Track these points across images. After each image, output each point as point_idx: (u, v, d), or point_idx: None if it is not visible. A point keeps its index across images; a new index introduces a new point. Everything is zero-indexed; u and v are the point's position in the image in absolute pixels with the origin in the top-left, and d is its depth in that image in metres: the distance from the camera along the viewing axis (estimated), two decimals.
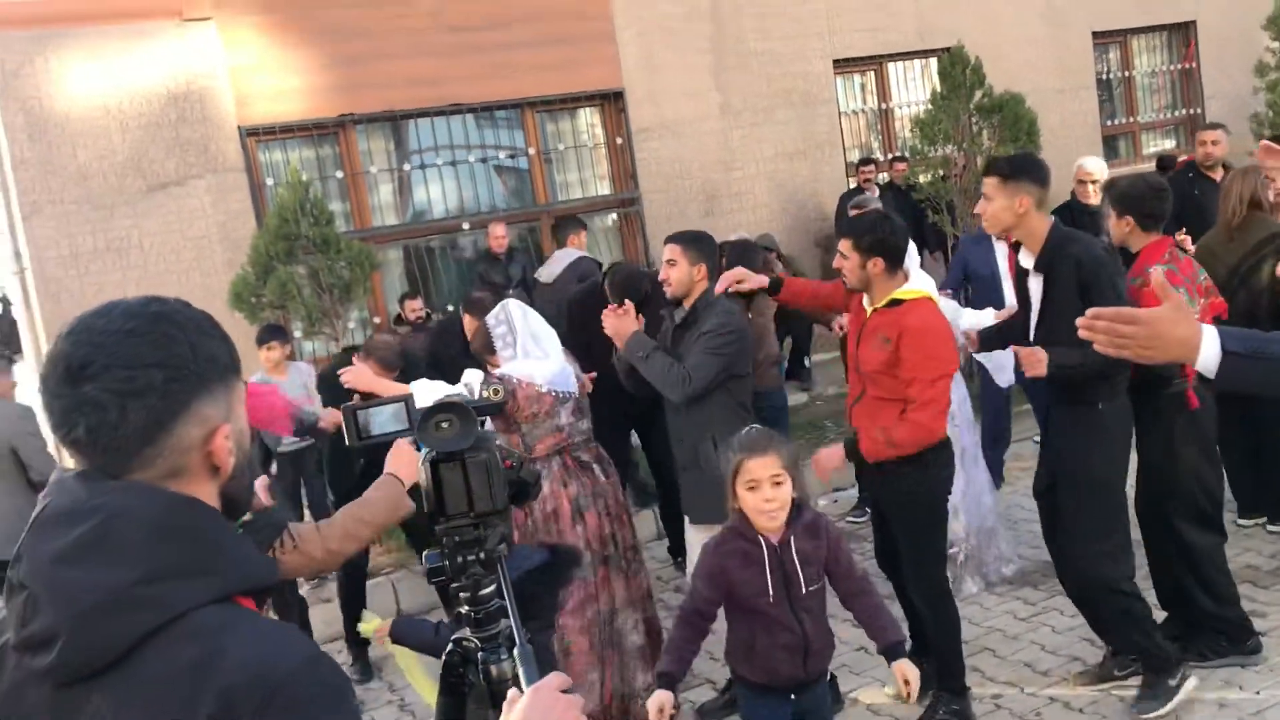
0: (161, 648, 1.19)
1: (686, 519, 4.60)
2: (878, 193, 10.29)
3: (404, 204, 9.44)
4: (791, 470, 3.10)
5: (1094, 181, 6.72)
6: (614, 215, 10.19)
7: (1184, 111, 13.03)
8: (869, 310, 4.12)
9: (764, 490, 3.05)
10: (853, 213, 5.62)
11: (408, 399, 1.71)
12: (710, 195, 10.21)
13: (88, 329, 1.29)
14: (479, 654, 1.66)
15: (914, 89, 11.48)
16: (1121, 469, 4.11)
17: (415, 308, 8.51)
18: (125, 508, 1.24)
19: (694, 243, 4.42)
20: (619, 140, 9.99)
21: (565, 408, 4.35)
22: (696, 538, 4.35)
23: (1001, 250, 6.16)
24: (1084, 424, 4.03)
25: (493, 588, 1.64)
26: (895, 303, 4.01)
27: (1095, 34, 12.12)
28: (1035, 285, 4.12)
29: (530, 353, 4.33)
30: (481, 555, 1.63)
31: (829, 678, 3.72)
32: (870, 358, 4.04)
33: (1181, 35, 12.93)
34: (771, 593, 3.09)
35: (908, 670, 3.07)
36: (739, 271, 4.52)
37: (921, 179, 9.18)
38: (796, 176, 10.52)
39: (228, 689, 1.16)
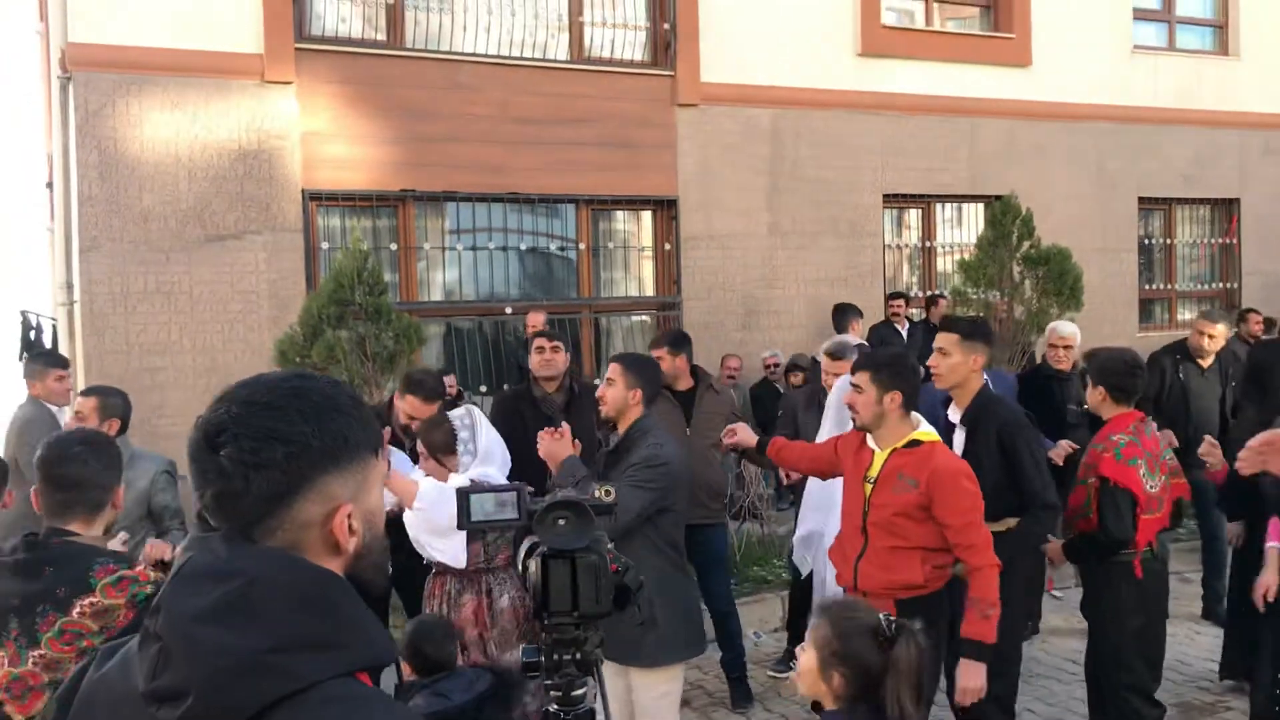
0: (286, 716, 1.20)
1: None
2: (908, 326, 10.42)
3: (451, 281, 9.57)
4: None
5: (1066, 346, 6.84)
6: (646, 316, 10.29)
7: (1221, 285, 13.18)
8: (880, 451, 3.99)
9: None
10: (824, 352, 5.65)
11: (520, 488, 1.74)
12: (750, 309, 10.33)
13: (230, 398, 1.34)
14: None
15: (959, 231, 11.67)
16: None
17: (449, 384, 8.56)
18: (267, 574, 1.26)
19: (634, 366, 4.25)
20: (667, 245, 10.16)
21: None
22: (609, 674, 4.10)
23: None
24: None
25: (584, 689, 1.64)
26: (915, 444, 3.92)
27: (1141, 199, 12.34)
28: (959, 438, 4.53)
29: (489, 460, 4.31)
30: (579, 656, 1.64)
31: None
32: (891, 501, 3.90)
33: (1225, 211, 13.15)
34: None
35: None
36: (739, 428, 4.67)
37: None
38: (836, 301, 10.63)
39: None
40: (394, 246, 9.18)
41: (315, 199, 8.76)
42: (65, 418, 6.19)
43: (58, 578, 2.67)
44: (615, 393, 4.16)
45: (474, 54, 9.26)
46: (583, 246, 9.97)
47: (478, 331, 9.71)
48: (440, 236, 9.49)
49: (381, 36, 9.13)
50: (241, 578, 1.25)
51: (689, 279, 10.12)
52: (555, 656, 1.65)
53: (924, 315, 10.62)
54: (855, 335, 7.85)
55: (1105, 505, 4.31)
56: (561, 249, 10.07)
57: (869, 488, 3.99)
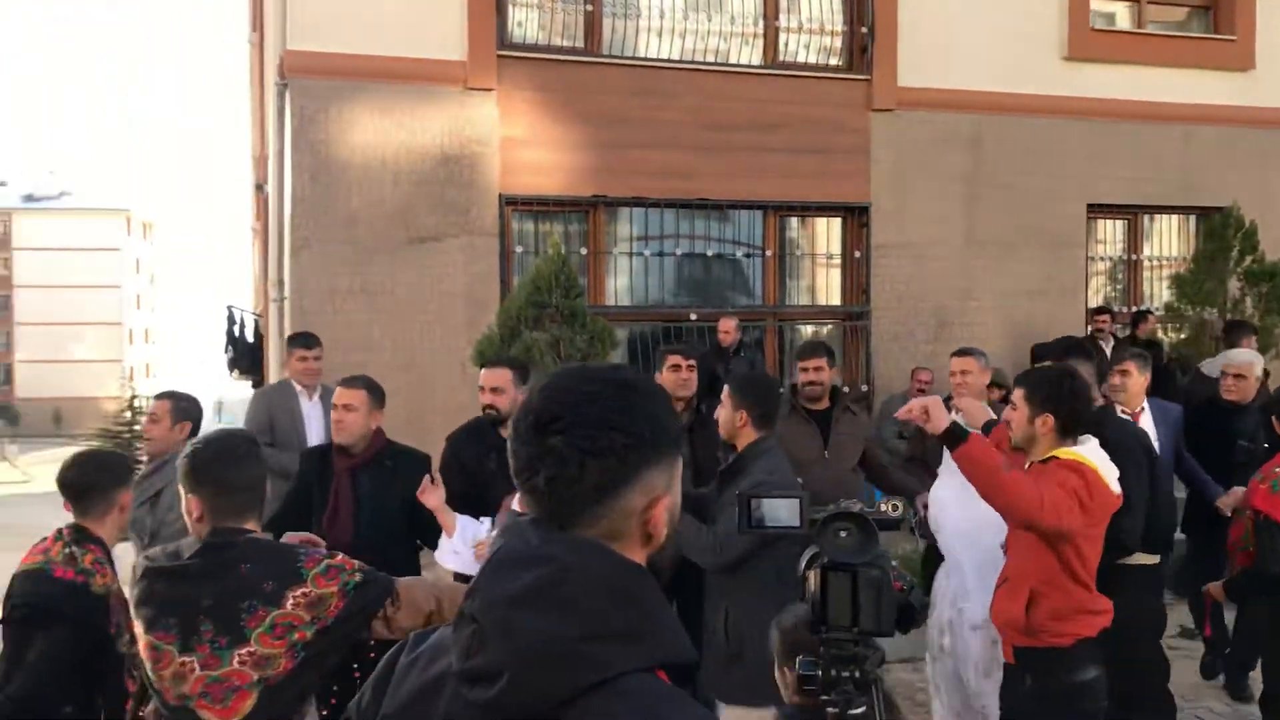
0: (594, 705, 1.21)
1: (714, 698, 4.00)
2: (1113, 343, 9.90)
3: (637, 286, 9.63)
4: None
5: (1238, 375, 6.19)
6: (832, 325, 10.10)
7: None
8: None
9: None
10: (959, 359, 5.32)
11: (802, 496, 1.68)
12: (941, 321, 10.01)
13: (558, 387, 1.36)
14: None
15: (1168, 243, 11.04)
16: None
17: None
18: (579, 563, 1.28)
19: (742, 389, 4.06)
20: (856, 253, 9.96)
21: None
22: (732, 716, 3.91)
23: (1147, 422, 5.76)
24: None
25: (863, 710, 1.57)
26: (1050, 459, 3.57)
27: None
28: None
29: None
30: (857, 674, 1.57)
31: None
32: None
33: None
34: None
35: None
36: (930, 401, 3.66)
37: (1171, 335, 8.77)
38: (1034, 316, 10.21)
39: None
40: (584, 251, 9.29)
41: (511, 203, 8.94)
42: (308, 399, 6.45)
43: (261, 572, 2.62)
44: (724, 414, 4.05)
45: (668, 60, 9.29)
46: (769, 253, 9.87)
47: (663, 337, 9.73)
48: (629, 242, 9.55)
49: (579, 44, 9.26)
50: (554, 564, 1.27)
51: (878, 288, 9.89)
52: (833, 673, 1.59)
53: (1129, 332, 10.08)
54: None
55: (1261, 540, 4.01)
56: (748, 255, 10.00)
57: None
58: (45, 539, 3.47)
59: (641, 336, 9.60)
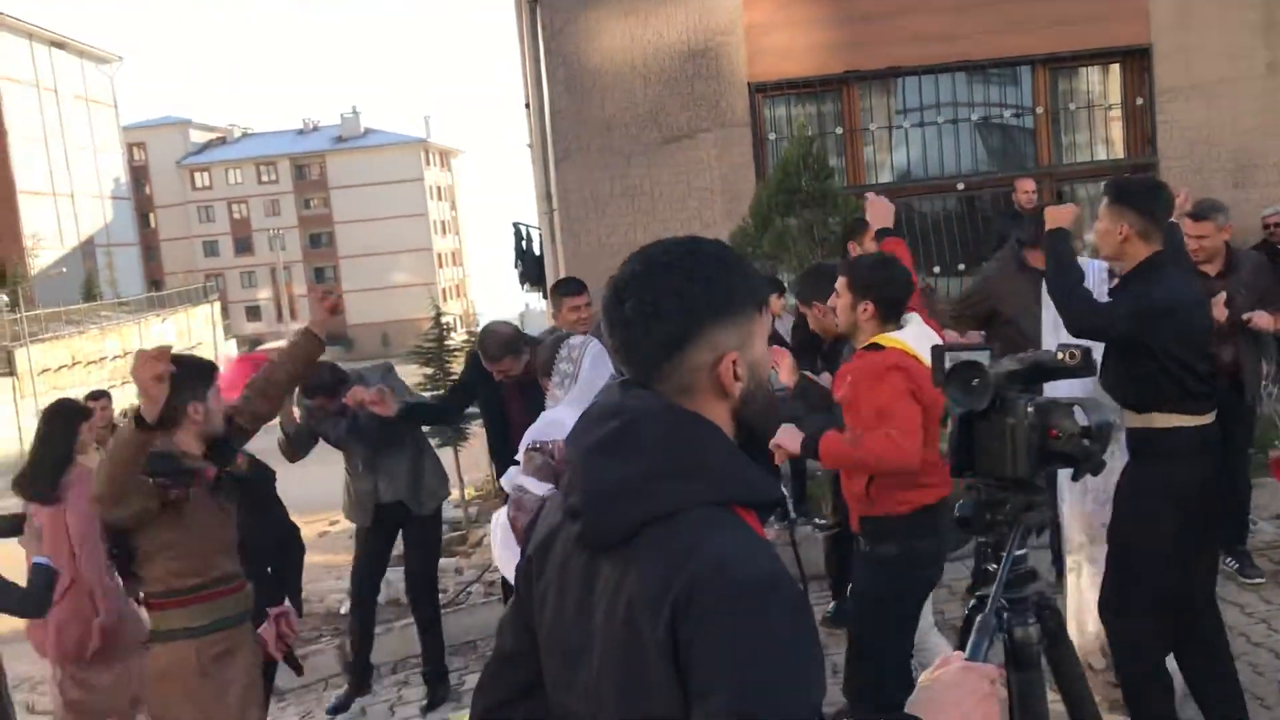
0: (656, 535, 1.38)
1: None
2: None
3: (898, 161, 9.36)
4: None
5: None
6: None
7: None
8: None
9: None
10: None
11: (991, 348, 1.73)
12: (1241, 165, 9.11)
13: (635, 259, 1.53)
14: (1004, 615, 1.67)
15: None
16: None
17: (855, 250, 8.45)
18: (645, 413, 1.46)
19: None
20: (1139, 101, 9.20)
21: None
22: None
23: None
24: None
25: (1022, 553, 1.62)
26: (872, 346, 3.61)
27: None
28: None
29: (581, 402, 3.74)
30: (1003, 519, 1.61)
31: None
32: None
33: None
34: None
35: None
36: (785, 441, 3.72)
37: None
38: None
39: (694, 576, 1.32)
40: (839, 131, 9.12)
41: (760, 90, 8.89)
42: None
43: None
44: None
45: None
46: (1040, 110, 9.29)
47: (928, 211, 9.44)
48: (885, 116, 9.28)
49: None
50: (626, 416, 1.47)
51: (1165, 136, 9.10)
52: (986, 517, 1.64)
53: None
54: None
55: None
56: (1017, 116, 9.46)
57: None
58: None
59: (906, 212, 9.35)
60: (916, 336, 3.61)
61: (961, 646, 1.70)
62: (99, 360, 38.97)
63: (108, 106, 62.01)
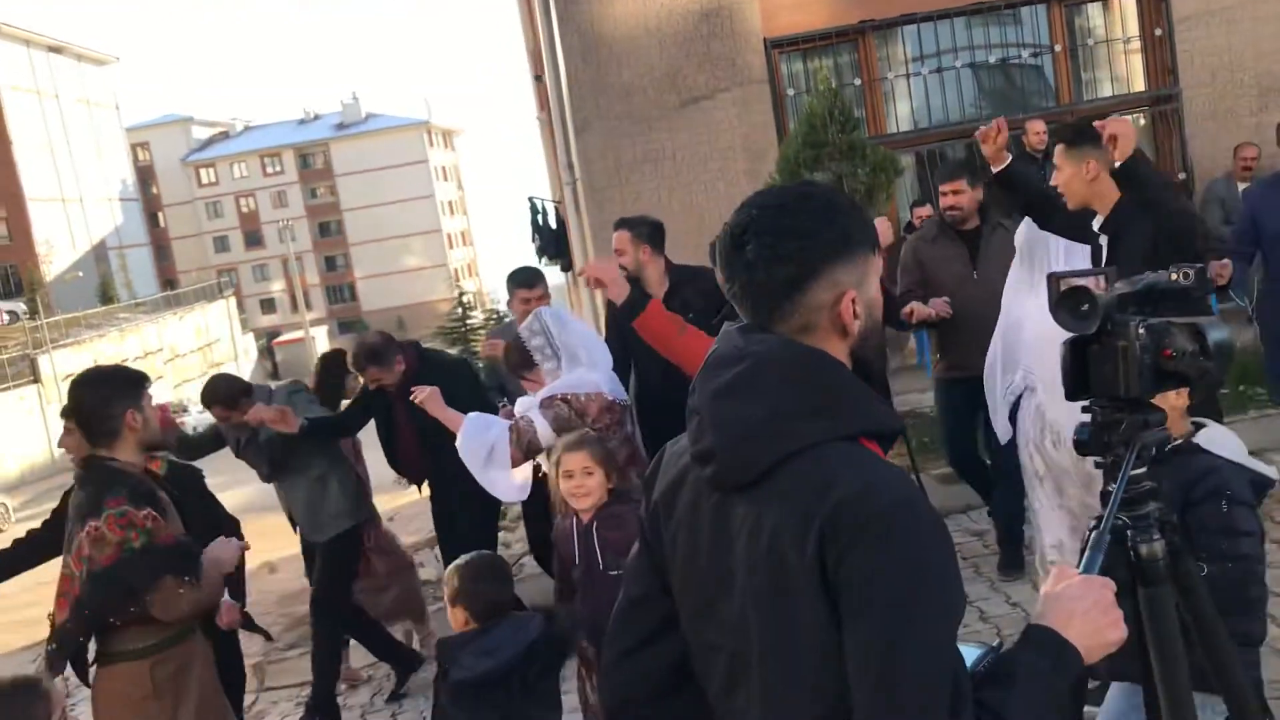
0: (792, 470, 1.43)
1: None
2: None
3: (919, 109, 9.31)
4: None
5: None
6: (1139, 114, 9.35)
7: None
8: None
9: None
10: None
11: (1109, 272, 1.79)
12: (1266, 88, 9.01)
13: (751, 204, 1.58)
14: (1128, 533, 1.70)
15: None
16: None
17: (924, 214, 8.41)
18: (767, 355, 1.50)
19: None
20: (1158, 31, 9.11)
21: (629, 416, 4.01)
22: None
23: None
24: None
25: (1141, 471, 1.66)
26: None
27: None
28: (1105, 252, 3.77)
29: (578, 360, 3.97)
30: (1119, 439, 1.66)
31: None
32: None
33: None
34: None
35: None
36: (604, 274, 3.89)
37: None
38: None
39: (840, 502, 1.37)
40: (857, 82, 9.08)
41: (776, 46, 8.85)
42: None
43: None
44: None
45: None
46: (1058, 48, 9.21)
47: (955, 156, 9.39)
48: (903, 64, 9.22)
49: None
50: (750, 359, 1.50)
51: (1187, 65, 9.02)
52: (1104, 439, 1.69)
53: None
54: None
55: None
56: (1035, 55, 9.38)
57: None
58: None
59: (931, 157, 9.32)
60: None
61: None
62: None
63: (109, 108, 62.07)
